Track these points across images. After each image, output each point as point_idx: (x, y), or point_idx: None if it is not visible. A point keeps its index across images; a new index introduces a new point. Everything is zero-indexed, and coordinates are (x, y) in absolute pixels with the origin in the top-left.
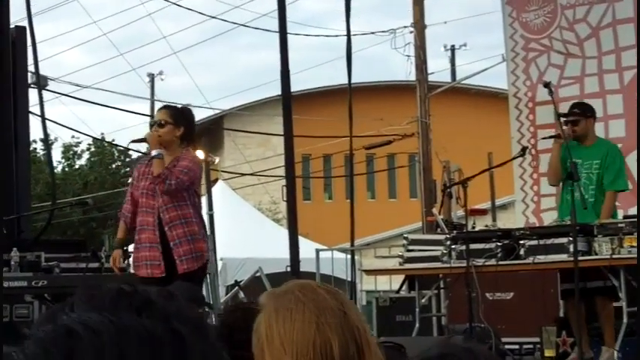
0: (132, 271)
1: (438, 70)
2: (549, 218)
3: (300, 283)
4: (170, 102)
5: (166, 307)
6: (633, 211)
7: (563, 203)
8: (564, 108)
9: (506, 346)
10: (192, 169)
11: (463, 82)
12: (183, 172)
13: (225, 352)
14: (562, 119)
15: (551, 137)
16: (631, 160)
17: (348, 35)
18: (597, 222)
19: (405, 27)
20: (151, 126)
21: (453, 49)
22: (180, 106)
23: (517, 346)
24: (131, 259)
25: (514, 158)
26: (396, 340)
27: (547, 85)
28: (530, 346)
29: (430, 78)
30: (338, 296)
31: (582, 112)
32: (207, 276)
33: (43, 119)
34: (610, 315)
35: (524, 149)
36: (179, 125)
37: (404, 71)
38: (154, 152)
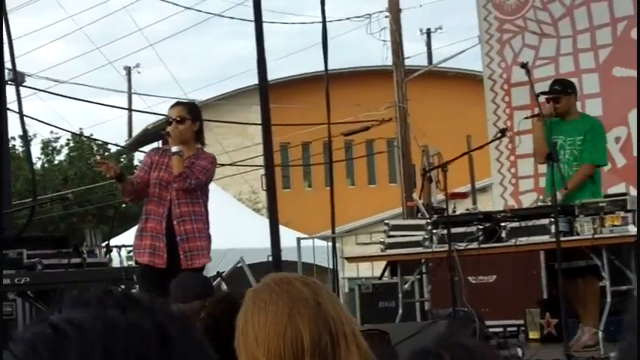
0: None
1: (415, 54)
2: (528, 200)
3: (277, 275)
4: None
5: (152, 304)
6: (612, 190)
7: (547, 182)
8: (540, 88)
9: (490, 329)
10: (210, 170)
11: (440, 65)
12: (202, 172)
13: (212, 345)
14: (543, 97)
15: (532, 117)
16: (610, 139)
17: (324, 22)
18: (578, 202)
19: (381, 12)
20: (169, 123)
21: (429, 32)
22: (188, 101)
23: (501, 329)
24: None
25: (494, 140)
26: (380, 327)
27: (524, 65)
28: (515, 328)
29: (407, 62)
30: (315, 287)
31: (563, 88)
32: None
33: (22, 116)
34: (595, 294)
35: (503, 131)
36: (195, 121)
37: (380, 56)
38: (174, 149)
